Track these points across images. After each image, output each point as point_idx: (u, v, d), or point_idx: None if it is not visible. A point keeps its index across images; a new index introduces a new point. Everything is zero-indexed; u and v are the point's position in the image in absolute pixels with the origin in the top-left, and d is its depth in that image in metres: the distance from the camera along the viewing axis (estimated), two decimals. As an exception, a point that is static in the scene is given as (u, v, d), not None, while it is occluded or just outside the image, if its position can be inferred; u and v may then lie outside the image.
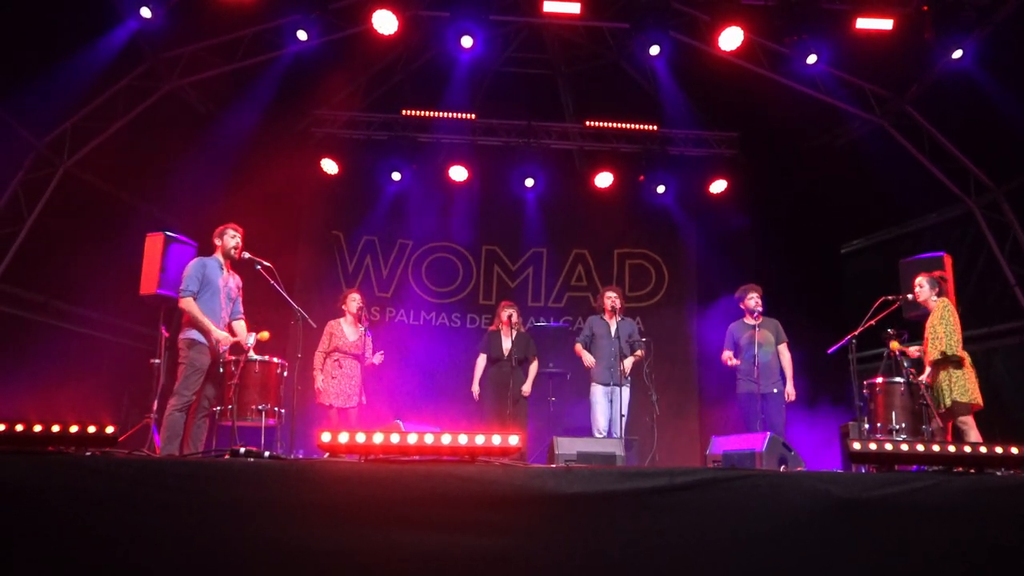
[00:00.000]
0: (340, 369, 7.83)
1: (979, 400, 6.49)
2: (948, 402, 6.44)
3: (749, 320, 7.95)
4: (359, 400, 7.89)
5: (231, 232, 6.52)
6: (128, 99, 9.43)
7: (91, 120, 9.24)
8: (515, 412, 8.09)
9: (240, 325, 6.65)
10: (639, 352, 8.06)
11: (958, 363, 6.50)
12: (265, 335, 6.40)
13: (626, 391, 7.94)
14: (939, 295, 6.85)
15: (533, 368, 8.57)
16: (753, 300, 7.92)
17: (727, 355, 7.95)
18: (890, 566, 3.65)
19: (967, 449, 4.22)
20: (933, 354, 6.53)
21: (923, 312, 7.00)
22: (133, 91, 9.45)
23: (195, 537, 3.45)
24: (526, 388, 8.41)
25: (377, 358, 7.95)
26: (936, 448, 4.24)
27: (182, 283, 6.29)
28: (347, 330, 7.97)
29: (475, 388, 8.48)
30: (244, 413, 6.09)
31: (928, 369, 6.60)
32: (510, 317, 8.44)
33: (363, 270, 11.52)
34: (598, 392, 7.99)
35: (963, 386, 6.45)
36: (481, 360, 8.56)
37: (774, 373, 7.81)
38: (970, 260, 10.10)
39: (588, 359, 8.08)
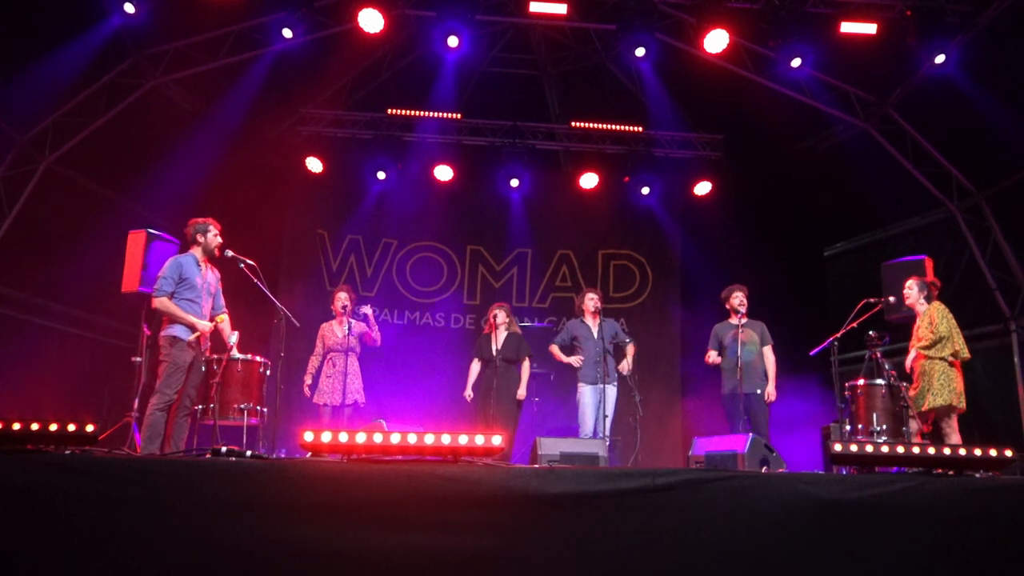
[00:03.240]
0: (334, 368, 7.91)
1: (964, 404, 6.64)
2: (940, 402, 6.51)
3: (733, 320, 7.98)
4: (352, 399, 7.90)
5: (213, 231, 6.46)
6: (111, 95, 9.36)
7: (73, 116, 9.18)
8: (501, 412, 8.04)
9: (223, 322, 6.60)
10: (631, 348, 8.07)
11: (953, 364, 6.65)
12: (222, 317, 6.46)
13: (612, 390, 7.95)
14: (927, 300, 6.92)
15: (525, 369, 8.38)
16: (738, 300, 7.95)
17: (712, 355, 7.97)
18: (870, 567, 3.68)
19: (946, 451, 4.25)
20: (956, 353, 6.62)
21: (905, 314, 7.06)
22: (116, 87, 9.38)
23: (176, 536, 3.43)
24: (521, 392, 8.32)
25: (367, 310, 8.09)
26: (916, 450, 4.27)
27: (156, 283, 6.21)
28: (336, 330, 8.04)
29: (468, 392, 8.45)
30: (226, 412, 6.06)
31: (912, 353, 6.64)
32: (495, 318, 8.43)
33: (347, 269, 11.48)
34: (586, 392, 7.96)
35: (956, 389, 6.59)
36: (474, 365, 8.49)
37: (758, 373, 7.82)
38: (951, 264, 10.17)
39: (572, 359, 8.10)
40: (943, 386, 6.57)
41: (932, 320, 6.71)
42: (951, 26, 8.40)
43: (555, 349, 8.28)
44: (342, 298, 8.10)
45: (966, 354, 6.66)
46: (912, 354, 6.67)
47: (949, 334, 6.64)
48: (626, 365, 7.99)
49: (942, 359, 6.62)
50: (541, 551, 3.55)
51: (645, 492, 3.69)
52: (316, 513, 3.51)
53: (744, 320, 7.91)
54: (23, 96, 8.41)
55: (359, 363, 8.15)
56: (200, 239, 6.43)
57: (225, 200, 9.00)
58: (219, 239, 6.46)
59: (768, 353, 7.90)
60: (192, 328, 6.15)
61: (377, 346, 8.31)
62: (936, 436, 6.66)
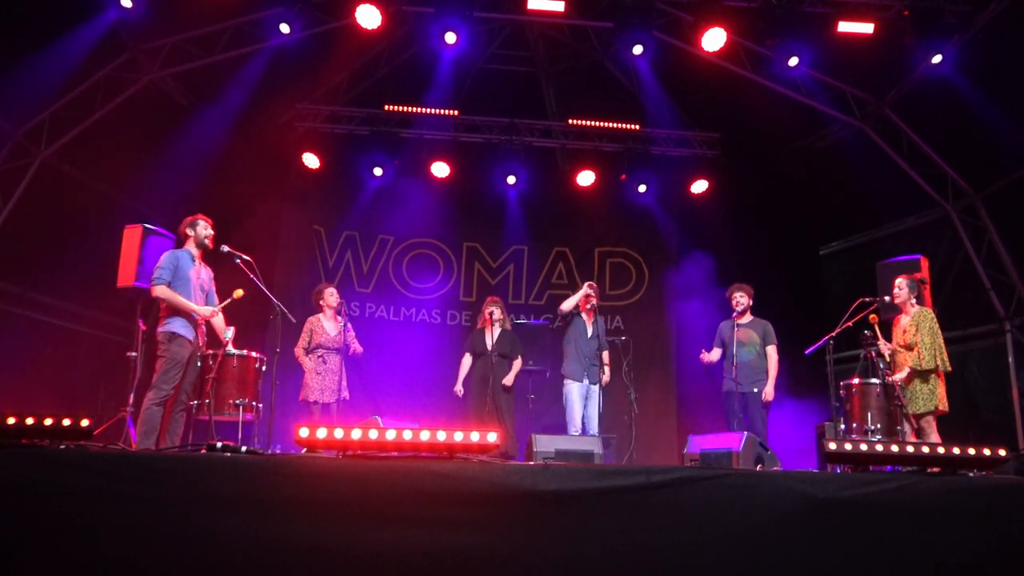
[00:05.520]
0: (324, 365, 7.83)
1: (946, 407, 6.68)
2: (921, 408, 6.56)
3: (738, 319, 8.02)
4: (341, 396, 7.87)
5: (203, 223, 6.47)
6: (107, 89, 9.33)
7: (69, 110, 9.14)
8: (497, 406, 8.06)
9: (218, 318, 6.59)
10: (605, 354, 8.05)
11: (935, 373, 6.65)
12: (240, 292, 6.40)
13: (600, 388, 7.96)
14: (918, 299, 6.94)
15: (517, 364, 8.53)
16: (735, 299, 8.00)
17: (705, 354, 8.00)
18: (864, 565, 3.69)
19: (940, 450, 4.27)
20: (918, 362, 6.61)
21: (899, 313, 7.08)
22: (112, 82, 9.36)
23: (171, 532, 3.43)
24: (508, 380, 8.36)
25: (356, 345, 7.99)
26: (910, 449, 4.29)
27: (154, 272, 6.20)
28: (327, 325, 7.97)
29: (458, 387, 8.47)
30: (221, 407, 6.06)
31: (906, 371, 6.66)
32: (491, 314, 8.44)
33: (343, 265, 11.47)
34: (572, 389, 7.97)
35: (937, 394, 6.63)
36: (466, 359, 8.54)
37: (756, 373, 7.81)
38: (946, 263, 10.20)
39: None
40: (931, 392, 6.63)
41: (918, 329, 6.71)
42: (949, 26, 8.43)
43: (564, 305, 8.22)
44: (335, 293, 8.08)
45: (947, 367, 6.69)
46: (905, 372, 6.66)
47: (936, 346, 6.67)
48: (606, 376, 7.98)
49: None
50: (536, 548, 3.55)
51: (640, 490, 3.70)
52: (311, 509, 3.51)
53: (742, 320, 7.95)
54: (19, 90, 8.39)
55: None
56: (190, 232, 6.43)
57: (221, 195, 8.98)
58: (209, 231, 6.46)
59: (771, 353, 7.89)
60: (191, 314, 6.13)
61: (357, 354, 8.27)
62: (916, 434, 6.71)
